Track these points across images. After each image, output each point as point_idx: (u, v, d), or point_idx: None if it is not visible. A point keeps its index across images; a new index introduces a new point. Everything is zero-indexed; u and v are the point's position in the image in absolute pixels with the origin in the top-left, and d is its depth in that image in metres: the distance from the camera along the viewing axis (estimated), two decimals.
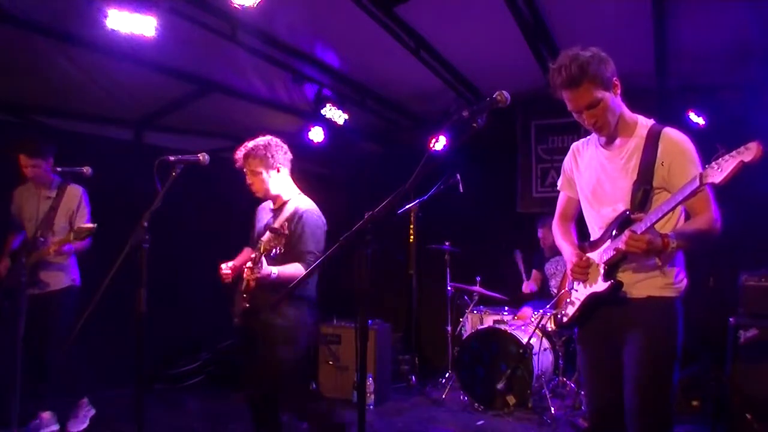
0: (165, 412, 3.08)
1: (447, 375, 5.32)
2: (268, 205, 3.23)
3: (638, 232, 2.03)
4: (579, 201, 2.51)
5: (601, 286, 2.23)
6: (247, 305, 2.89)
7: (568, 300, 2.45)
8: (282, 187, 3.14)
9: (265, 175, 3.07)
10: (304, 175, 7.11)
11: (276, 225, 2.93)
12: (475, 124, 1.94)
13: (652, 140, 2.17)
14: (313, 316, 3.07)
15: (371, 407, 4.78)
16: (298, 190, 3.21)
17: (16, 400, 3.15)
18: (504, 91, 1.93)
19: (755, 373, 3.69)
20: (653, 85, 4.97)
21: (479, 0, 3.75)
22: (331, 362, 5.11)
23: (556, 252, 5.07)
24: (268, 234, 2.76)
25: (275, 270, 2.82)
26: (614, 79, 2.16)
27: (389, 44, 4.15)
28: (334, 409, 3.07)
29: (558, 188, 2.62)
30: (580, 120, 2.21)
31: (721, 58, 4.50)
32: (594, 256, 2.32)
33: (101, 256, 4.60)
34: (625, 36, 4.09)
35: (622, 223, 2.19)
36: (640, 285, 2.19)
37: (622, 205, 2.22)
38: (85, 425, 4.13)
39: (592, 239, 2.40)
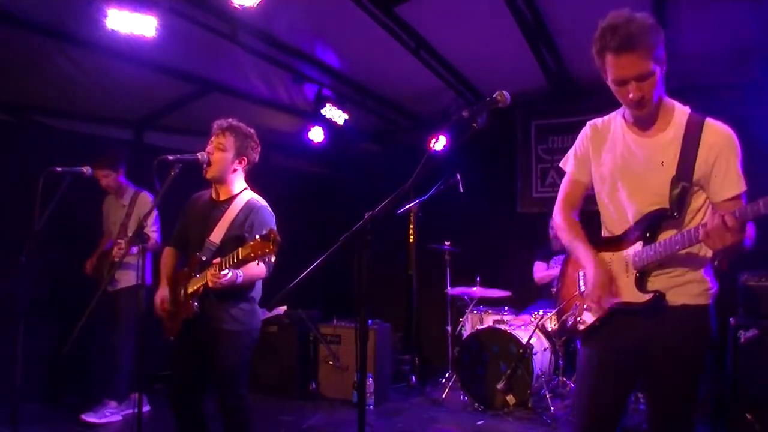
0: (165, 412, 3.08)
1: (447, 375, 5.31)
2: (203, 197, 3.02)
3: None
4: (587, 186, 2.24)
5: (636, 296, 2.00)
6: (196, 311, 2.75)
7: (585, 306, 2.17)
8: (236, 180, 2.97)
9: (230, 156, 2.89)
10: (304, 175, 7.22)
11: (228, 217, 2.84)
12: (475, 124, 1.92)
13: (693, 132, 1.95)
14: (258, 318, 2.96)
15: (371, 407, 4.78)
16: (247, 187, 3.05)
17: (16, 400, 3.17)
18: (504, 91, 1.91)
19: (755, 374, 3.69)
20: None
21: (479, 0, 3.75)
22: (331, 362, 5.11)
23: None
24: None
25: (240, 273, 2.70)
26: (664, 55, 1.91)
27: (389, 44, 4.15)
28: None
29: (564, 168, 2.30)
30: (619, 94, 1.96)
31: (721, 58, 4.50)
32: (616, 256, 2.09)
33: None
34: None
35: (656, 221, 1.98)
36: (676, 291, 1.99)
37: (656, 201, 1.98)
38: (99, 421, 4.19)
39: (609, 235, 2.16)
